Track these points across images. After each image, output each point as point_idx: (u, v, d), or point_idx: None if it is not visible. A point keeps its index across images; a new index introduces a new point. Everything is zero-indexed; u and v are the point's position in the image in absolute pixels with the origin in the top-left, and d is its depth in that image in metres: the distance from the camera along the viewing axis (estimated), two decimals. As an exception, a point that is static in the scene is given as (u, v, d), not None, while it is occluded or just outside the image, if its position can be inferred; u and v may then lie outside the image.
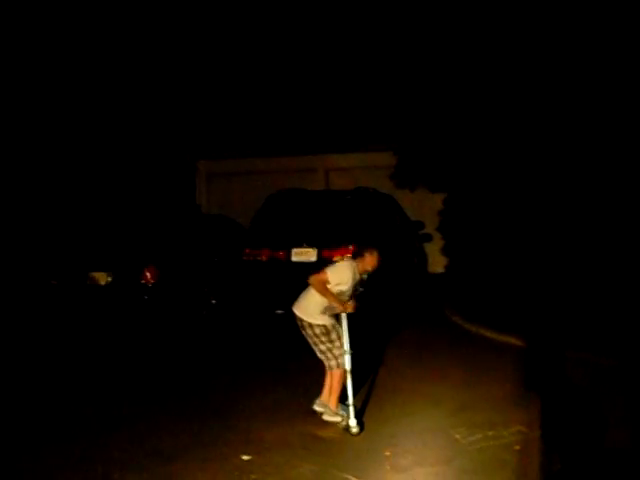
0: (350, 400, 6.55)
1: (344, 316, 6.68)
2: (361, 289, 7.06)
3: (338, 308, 6.65)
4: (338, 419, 6.62)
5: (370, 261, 6.77)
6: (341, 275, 6.64)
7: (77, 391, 8.07)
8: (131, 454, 6.04)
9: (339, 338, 6.66)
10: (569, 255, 11.84)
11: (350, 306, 6.69)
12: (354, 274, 6.68)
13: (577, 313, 10.37)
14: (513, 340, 9.60)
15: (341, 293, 6.65)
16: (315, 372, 8.10)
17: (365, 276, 6.93)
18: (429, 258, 14.09)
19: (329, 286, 6.60)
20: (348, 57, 16.30)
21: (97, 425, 6.90)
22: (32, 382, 8.44)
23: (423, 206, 15.16)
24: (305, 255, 10.48)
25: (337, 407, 6.72)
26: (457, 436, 6.24)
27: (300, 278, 10.35)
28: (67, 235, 12.52)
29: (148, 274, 10.56)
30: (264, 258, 10.61)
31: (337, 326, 6.72)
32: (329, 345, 6.68)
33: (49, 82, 15.30)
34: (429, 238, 13.75)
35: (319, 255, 10.36)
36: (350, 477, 5.39)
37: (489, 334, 10.18)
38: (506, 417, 6.61)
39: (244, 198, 16.12)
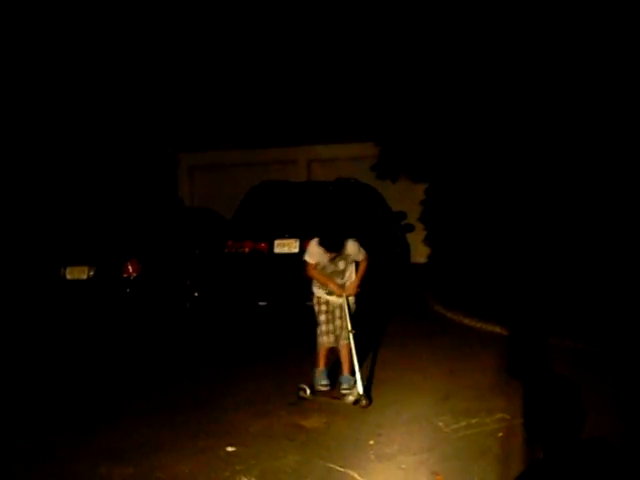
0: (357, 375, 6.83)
1: (344, 299, 7.04)
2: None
3: (334, 290, 7.06)
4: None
5: None
6: (311, 254, 7.06)
7: (60, 385, 8.05)
8: (116, 447, 6.03)
9: (325, 314, 7.15)
10: (552, 243, 11.89)
11: (340, 290, 7.04)
12: (322, 253, 6.97)
13: (560, 301, 10.44)
14: (496, 329, 9.65)
15: (328, 273, 7.06)
16: (298, 363, 8.14)
17: (341, 266, 7.07)
18: (411, 248, 14.10)
19: (318, 268, 7.07)
20: (329, 48, 16.28)
21: (81, 418, 6.90)
22: (14, 377, 8.42)
23: (405, 197, 15.16)
24: (287, 246, 10.46)
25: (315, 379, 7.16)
26: (441, 424, 6.26)
27: (282, 269, 10.43)
28: (47, 229, 12.45)
29: (130, 267, 10.50)
30: (246, 250, 10.58)
31: (333, 307, 7.14)
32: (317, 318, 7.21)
33: (29, 74, 15.18)
34: (411, 228, 13.76)
35: (301, 246, 10.33)
36: (334, 466, 5.40)
37: (472, 323, 10.23)
38: (489, 405, 6.64)
39: (226, 190, 16.06)
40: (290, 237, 10.46)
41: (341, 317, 7.10)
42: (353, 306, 7.18)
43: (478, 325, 10.07)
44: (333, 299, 7.15)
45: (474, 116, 12.76)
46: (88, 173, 16.09)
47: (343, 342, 7.10)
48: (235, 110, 17.56)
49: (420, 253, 14.99)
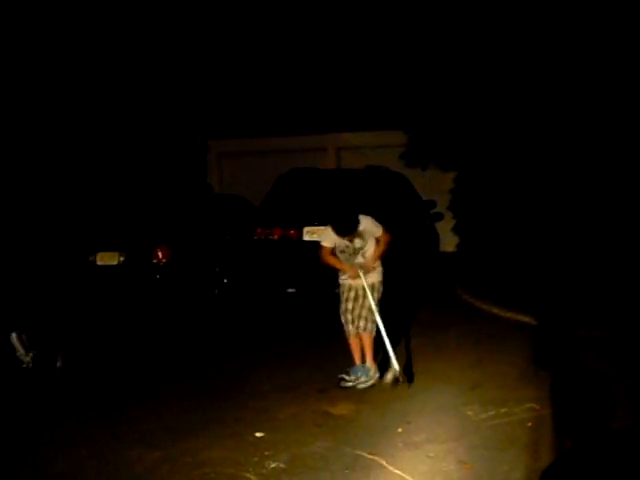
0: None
1: (364, 282, 7.03)
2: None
3: (347, 271, 7.12)
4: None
5: None
6: (326, 238, 7.17)
7: (91, 369, 8.14)
8: (146, 431, 6.11)
9: (346, 302, 7.18)
10: (583, 232, 11.77)
11: (354, 270, 7.05)
12: (336, 237, 7.01)
13: (590, 291, 10.34)
14: (525, 318, 9.60)
15: (348, 254, 7.09)
16: (326, 351, 8.17)
17: (358, 244, 7.06)
18: (440, 237, 14.05)
19: (338, 251, 7.14)
20: (359, 35, 16.21)
21: (111, 403, 6.98)
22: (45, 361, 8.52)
23: (434, 185, 15.09)
24: (317, 234, 10.45)
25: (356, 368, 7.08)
26: (469, 413, 6.25)
27: (312, 257, 10.42)
28: (79, 215, 12.56)
29: (160, 253, 10.57)
30: (276, 237, 10.60)
31: (357, 293, 7.10)
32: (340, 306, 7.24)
33: (63, 64, 15.29)
34: (440, 217, 13.70)
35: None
36: (362, 453, 5.42)
37: (501, 312, 10.18)
38: (518, 394, 6.61)
39: (255, 177, 16.10)
40: (319, 224, 10.46)
41: (365, 298, 7.06)
42: (378, 287, 7.14)
43: (507, 314, 10.02)
44: (356, 282, 7.11)
45: (506, 104, 12.64)
46: (119, 160, 16.20)
47: (368, 325, 7.06)
48: (265, 97, 17.56)
49: (449, 242, 14.93)
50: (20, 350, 7.08)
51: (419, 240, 12.03)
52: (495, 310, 10.34)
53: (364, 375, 7.06)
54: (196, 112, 17.81)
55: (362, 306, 7.08)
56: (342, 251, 7.12)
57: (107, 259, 10.75)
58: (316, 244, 10.35)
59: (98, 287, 10.61)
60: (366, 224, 6.99)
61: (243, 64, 17.35)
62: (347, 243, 7.03)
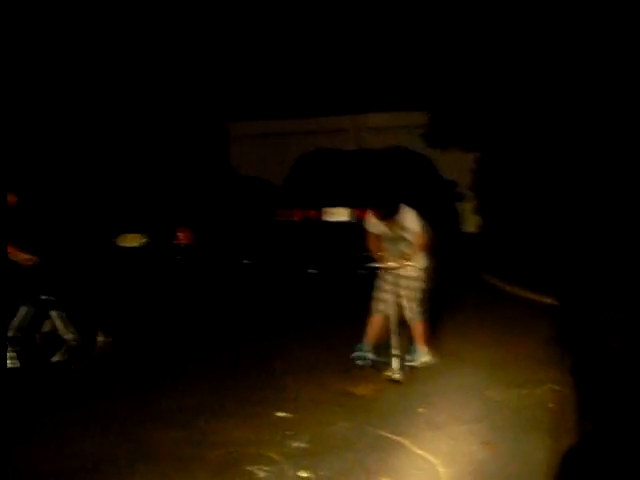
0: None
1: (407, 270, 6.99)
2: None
3: (386, 261, 7.03)
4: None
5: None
6: (368, 223, 7.06)
7: (119, 349, 8.19)
8: (169, 411, 6.14)
9: (385, 284, 7.07)
10: (607, 213, 11.68)
11: (395, 260, 6.96)
12: (377, 222, 6.95)
13: (614, 272, 10.27)
14: (547, 300, 9.56)
15: (388, 241, 7.01)
16: (347, 331, 8.17)
17: (399, 233, 6.97)
18: (461, 218, 14.01)
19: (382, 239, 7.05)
20: (378, 14, 16.10)
21: (138, 383, 7.03)
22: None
23: (455, 165, 15.01)
24: (337, 215, 10.47)
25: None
26: (491, 394, 6.25)
27: (332, 238, 10.45)
28: (103, 198, 12.64)
29: (181, 235, 10.63)
30: (296, 218, 10.63)
31: (396, 278, 7.00)
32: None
33: (87, 52, 15.38)
34: (461, 197, 13.66)
35: (352, 214, 10.35)
36: (384, 433, 5.43)
37: (523, 293, 10.15)
38: (540, 376, 6.60)
39: (276, 159, 16.10)
40: (340, 205, 10.47)
41: (406, 288, 7.01)
42: (421, 277, 7.08)
43: (529, 296, 9.99)
44: (397, 271, 7.03)
45: (530, 84, 12.52)
46: (143, 144, 16.27)
47: (414, 315, 7.06)
48: (285, 79, 17.53)
49: (470, 222, 14.89)
50: (61, 328, 7.22)
51: (441, 221, 11.99)
52: (517, 291, 10.31)
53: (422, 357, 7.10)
54: (217, 94, 17.82)
55: (405, 296, 7.03)
56: (385, 238, 7.05)
57: (129, 241, 10.82)
58: (336, 224, 10.44)
59: (121, 268, 10.70)
60: (407, 215, 6.90)
61: (264, 46, 17.30)
62: (386, 230, 6.97)
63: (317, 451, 5.22)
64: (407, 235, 6.97)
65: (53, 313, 7.22)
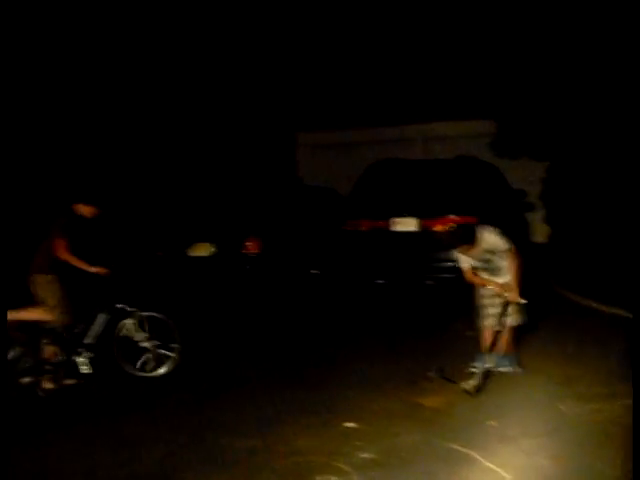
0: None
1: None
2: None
3: (494, 288, 7.02)
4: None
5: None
6: (459, 258, 7.05)
7: (188, 355, 8.30)
8: (238, 419, 6.21)
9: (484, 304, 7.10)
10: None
11: (500, 287, 6.94)
12: (468, 260, 6.94)
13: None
14: (620, 311, 9.34)
15: (481, 269, 7.03)
16: (416, 342, 8.14)
17: (488, 256, 6.95)
18: (531, 227, 13.82)
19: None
20: (446, 24, 16.03)
21: (204, 391, 7.13)
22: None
23: (523, 175, 14.84)
24: (406, 225, 10.44)
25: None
26: (563, 408, 6.15)
27: (401, 248, 10.41)
28: (173, 209, 12.87)
29: (250, 245, 10.74)
30: (364, 228, 10.64)
31: (486, 292, 7.07)
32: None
33: (154, 63, 15.72)
34: (531, 207, 13.48)
35: (420, 225, 10.31)
36: (455, 446, 5.39)
37: (595, 305, 9.96)
38: (613, 390, 6.45)
39: (344, 169, 16.16)
40: (408, 215, 10.44)
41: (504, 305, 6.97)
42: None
43: (601, 307, 9.79)
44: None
45: (601, 93, 12.31)
46: (212, 155, 16.52)
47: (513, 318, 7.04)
48: (352, 90, 17.58)
49: (540, 232, 14.68)
50: (137, 336, 7.41)
51: (510, 230, 11.85)
52: (588, 302, 10.12)
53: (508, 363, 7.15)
54: (285, 105, 17.97)
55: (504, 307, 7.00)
56: (480, 267, 7.03)
57: (199, 250, 10.98)
58: (405, 235, 10.40)
59: (191, 277, 10.86)
60: (488, 238, 6.87)
61: (332, 58, 17.40)
62: (478, 259, 6.95)
63: (386, 463, 5.20)
64: (496, 257, 6.95)
65: (129, 321, 7.39)
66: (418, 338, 8.53)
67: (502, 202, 11.91)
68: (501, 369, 7.06)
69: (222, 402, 6.73)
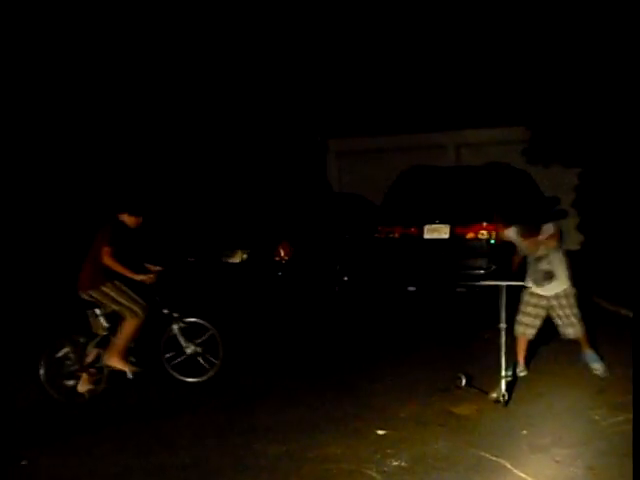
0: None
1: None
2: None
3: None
4: None
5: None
6: (511, 236, 7.14)
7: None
8: (269, 425, 6.24)
9: (529, 308, 7.08)
10: None
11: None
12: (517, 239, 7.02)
13: None
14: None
15: (532, 261, 7.03)
16: (447, 349, 8.10)
17: (542, 251, 6.95)
18: (564, 235, 13.69)
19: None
20: (477, 30, 15.98)
21: (236, 396, 7.18)
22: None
23: (556, 182, 14.73)
24: (438, 232, 10.41)
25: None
26: (596, 417, 6.08)
27: (433, 255, 10.38)
28: (207, 216, 12.96)
29: (282, 251, 10.78)
30: (396, 235, 10.62)
31: (531, 300, 7.05)
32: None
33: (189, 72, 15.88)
34: (564, 214, 13.36)
35: (452, 232, 10.28)
36: (486, 455, 5.35)
37: (628, 313, 9.83)
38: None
39: (374, 176, 16.14)
40: (440, 222, 10.41)
41: (560, 307, 6.97)
42: (570, 292, 7.04)
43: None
44: (545, 292, 7.01)
45: (634, 99, 12.17)
46: (243, 162, 16.61)
47: (577, 330, 7.03)
48: (383, 96, 17.57)
49: (573, 240, 14.54)
50: (183, 342, 7.51)
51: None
52: (623, 311, 10.00)
53: (596, 362, 7.19)
54: (316, 112, 18.02)
55: (563, 315, 7.00)
56: (531, 257, 7.04)
57: (231, 257, 11.05)
58: (437, 242, 10.37)
59: (223, 283, 10.92)
60: (548, 230, 6.92)
61: (363, 64, 17.41)
62: (530, 247, 6.96)
63: (417, 470, 5.19)
64: (550, 253, 6.96)
65: (174, 327, 7.49)
66: (449, 346, 8.48)
67: (535, 209, 11.81)
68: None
69: (254, 408, 6.76)
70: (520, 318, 7.07)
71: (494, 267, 9.14)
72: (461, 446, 5.57)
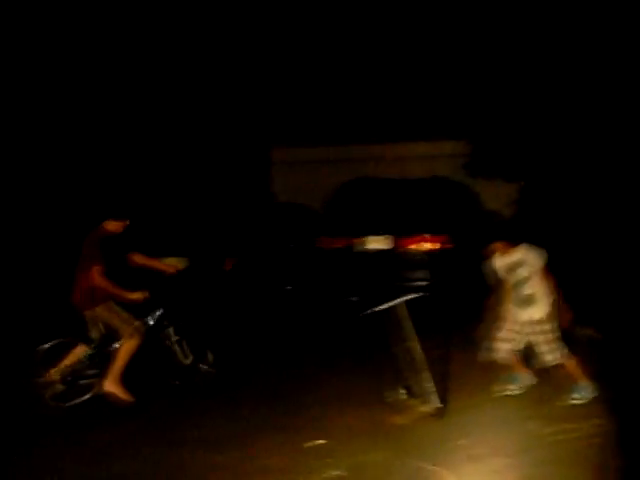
0: None
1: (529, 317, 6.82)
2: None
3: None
4: None
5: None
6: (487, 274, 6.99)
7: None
8: (206, 436, 6.17)
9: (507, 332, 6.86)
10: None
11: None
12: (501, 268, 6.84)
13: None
14: (590, 332, 9.34)
15: (512, 285, 6.81)
16: (386, 361, 8.09)
17: (522, 274, 6.75)
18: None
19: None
20: (420, 44, 16.14)
21: (173, 407, 7.10)
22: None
23: (497, 195, 14.93)
24: (380, 243, 10.45)
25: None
26: (534, 427, 6.13)
27: (375, 266, 10.41)
28: (149, 225, 12.81)
29: (225, 262, 10.72)
30: (339, 245, 10.63)
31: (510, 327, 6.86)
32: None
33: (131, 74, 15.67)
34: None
35: (394, 243, 10.32)
36: (425, 464, 5.35)
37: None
38: (585, 410, 6.45)
39: (318, 186, 16.14)
40: (383, 233, 10.45)
41: (540, 333, 6.72)
42: (549, 318, 6.75)
43: (573, 329, 9.77)
44: (523, 316, 6.78)
45: (574, 112, 12.42)
46: (185, 172, 16.46)
47: (557, 356, 6.75)
48: (327, 106, 17.63)
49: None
50: (180, 355, 7.51)
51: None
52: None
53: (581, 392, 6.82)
54: (259, 121, 17.97)
55: (541, 342, 6.75)
56: (512, 281, 6.79)
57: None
58: (379, 253, 10.40)
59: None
60: (527, 255, 6.72)
61: (306, 74, 17.44)
62: (509, 274, 6.76)
63: (357, 480, 5.17)
64: (531, 276, 6.71)
65: (168, 331, 7.47)
66: (390, 357, 8.48)
67: (474, 222, 11.96)
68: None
69: (190, 419, 6.68)
70: (499, 342, 6.86)
71: (435, 279, 9.15)
72: (399, 456, 5.56)
